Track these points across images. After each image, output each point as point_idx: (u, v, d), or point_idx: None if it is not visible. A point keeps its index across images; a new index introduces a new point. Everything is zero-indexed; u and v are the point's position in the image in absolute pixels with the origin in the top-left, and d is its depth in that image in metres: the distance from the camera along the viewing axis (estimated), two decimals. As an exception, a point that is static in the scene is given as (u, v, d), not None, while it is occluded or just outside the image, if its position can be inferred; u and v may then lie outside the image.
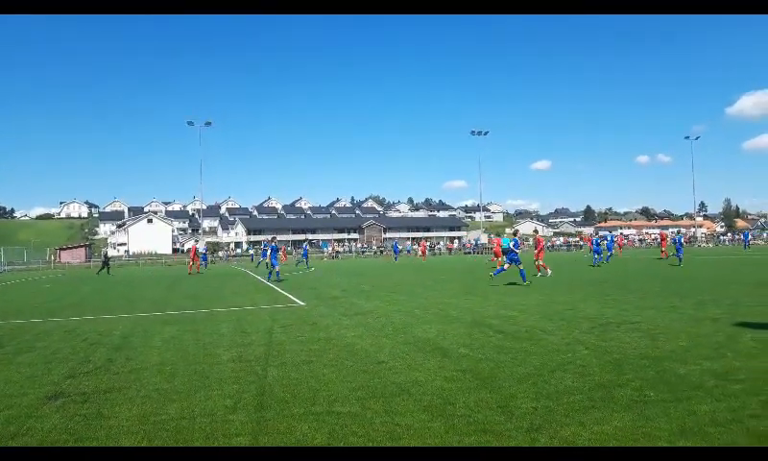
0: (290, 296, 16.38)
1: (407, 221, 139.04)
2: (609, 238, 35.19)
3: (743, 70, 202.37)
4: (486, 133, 76.55)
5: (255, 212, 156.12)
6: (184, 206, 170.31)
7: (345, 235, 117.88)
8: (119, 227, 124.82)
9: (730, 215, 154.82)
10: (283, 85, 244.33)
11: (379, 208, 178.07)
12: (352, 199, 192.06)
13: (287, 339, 8.80)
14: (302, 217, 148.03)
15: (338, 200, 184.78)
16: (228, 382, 6.12)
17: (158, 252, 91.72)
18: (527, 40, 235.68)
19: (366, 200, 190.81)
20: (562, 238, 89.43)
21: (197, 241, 53.87)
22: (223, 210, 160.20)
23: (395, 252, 54.72)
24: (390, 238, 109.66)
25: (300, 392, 5.61)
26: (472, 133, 75.50)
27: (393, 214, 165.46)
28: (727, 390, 5.18)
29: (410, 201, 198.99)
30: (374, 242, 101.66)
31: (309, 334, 9.21)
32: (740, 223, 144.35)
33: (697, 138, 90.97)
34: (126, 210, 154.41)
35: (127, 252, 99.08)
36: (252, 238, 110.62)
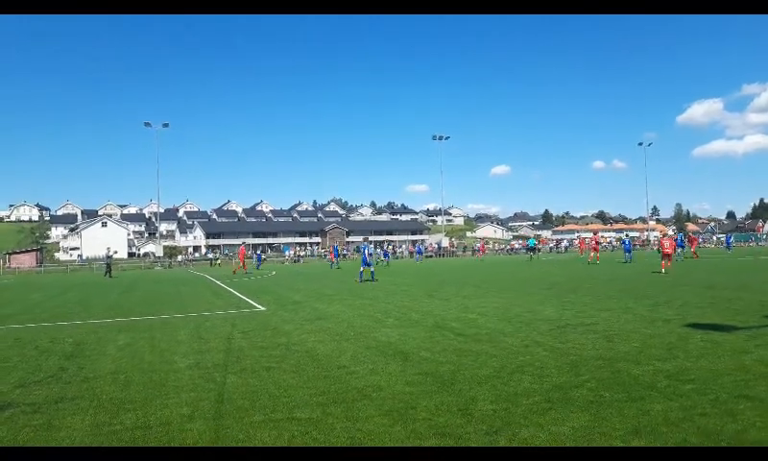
0: (250, 301, 16.15)
1: (370, 224, 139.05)
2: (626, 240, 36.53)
3: (694, 79, 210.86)
4: (447, 138, 77.42)
5: (215, 216, 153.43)
6: (141, 209, 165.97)
7: (307, 239, 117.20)
8: (72, 230, 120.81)
9: (681, 219, 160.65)
10: (243, 87, 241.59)
11: (342, 212, 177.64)
12: (314, 202, 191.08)
13: (247, 345, 8.67)
14: (263, 220, 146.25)
15: (300, 203, 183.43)
16: (185, 390, 5.99)
17: (114, 256, 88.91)
18: (487, 46, 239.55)
19: (328, 203, 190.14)
20: (521, 241, 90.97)
21: (243, 243, 52.21)
22: (181, 214, 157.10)
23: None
24: (352, 242, 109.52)
25: (260, 399, 5.53)
26: (434, 137, 76.27)
27: (355, 217, 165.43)
28: (678, 390, 5.36)
29: (373, 204, 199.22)
30: (340, 245, 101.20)
31: (270, 340, 9.09)
32: (691, 226, 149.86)
33: (650, 145, 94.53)
34: (79, 213, 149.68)
35: (80, 256, 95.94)
36: (212, 242, 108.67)
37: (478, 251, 65.98)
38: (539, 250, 59.58)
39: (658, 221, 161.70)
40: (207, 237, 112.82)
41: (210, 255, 72.60)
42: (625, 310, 11.26)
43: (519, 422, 4.60)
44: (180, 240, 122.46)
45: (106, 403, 5.57)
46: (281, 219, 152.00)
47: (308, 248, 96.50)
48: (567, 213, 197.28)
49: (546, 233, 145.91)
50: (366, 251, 23.84)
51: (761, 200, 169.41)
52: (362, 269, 23.28)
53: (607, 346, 7.65)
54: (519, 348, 7.75)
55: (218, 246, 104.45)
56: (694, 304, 11.89)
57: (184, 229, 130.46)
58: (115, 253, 69.32)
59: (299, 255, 73.00)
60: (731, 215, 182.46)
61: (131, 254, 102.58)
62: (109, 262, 40.15)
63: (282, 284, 23.85)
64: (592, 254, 35.63)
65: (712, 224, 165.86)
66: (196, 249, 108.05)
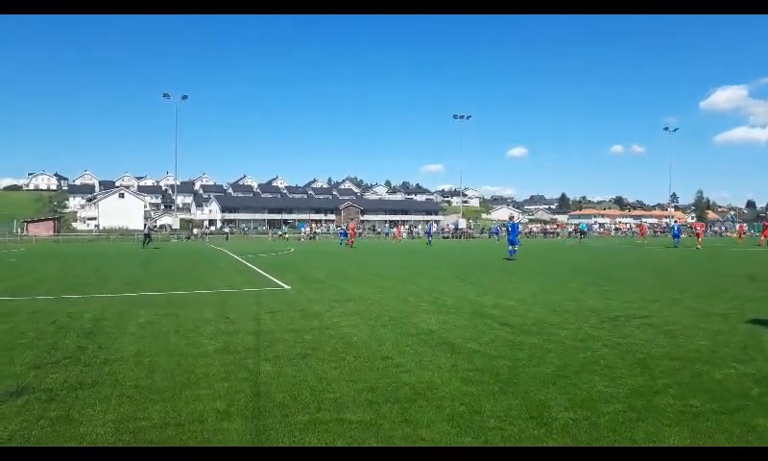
0: (273, 278, 15.62)
1: (385, 203, 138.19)
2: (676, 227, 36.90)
3: (719, 65, 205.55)
4: (468, 118, 76.10)
5: (230, 190, 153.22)
6: (157, 182, 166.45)
7: (322, 216, 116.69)
8: (89, 201, 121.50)
9: (701, 207, 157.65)
10: (261, 64, 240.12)
11: (357, 190, 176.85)
12: (329, 180, 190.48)
13: (276, 327, 8.09)
14: (279, 196, 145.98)
15: (315, 180, 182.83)
16: (216, 379, 5.41)
17: (130, 227, 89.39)
18: (507, 33, 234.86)
19: (343, 181, 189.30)
20: (539, 225, 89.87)
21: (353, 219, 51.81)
22: (197, 187, 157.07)
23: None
24: (367, 220, 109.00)
25: (301, 394, 4.93)
26: (455, 116, 75.04)
27: (370, 196, 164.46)
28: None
29: (387, 183, 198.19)
30: (356, 223, 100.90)
31: (300, 322, 8.51)
32: (711, 214, 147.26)
33: (675, 130, 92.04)
34: (97, 184, 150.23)
35: (97, 226, 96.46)
36: (228, 216, 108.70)
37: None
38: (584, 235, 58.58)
39: (676, 208, 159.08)
40: (223, 211, 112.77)
41: (226, 230, 72.41)
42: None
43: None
44: (197, 214, 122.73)
45: (130, 391, 5.01)
46: (296, 196, 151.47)
47: (323, 225, 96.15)
48: (584, 198, 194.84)
49: (563, 218, 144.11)
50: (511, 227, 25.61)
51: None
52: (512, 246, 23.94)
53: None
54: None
55: (233, 221, 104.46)
56: (745, 297, 11.14)
57: (200, 202, 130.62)
58: (155, 223, 68.87)
59: (314, 232, 72.62)
60: (750, 204, 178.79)
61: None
62: (149, 232, 39.63)
63: (303, 262, 23.35)
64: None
65: (732, 213, 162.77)
66: (211, 222, 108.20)
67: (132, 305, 10.35)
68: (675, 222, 43.96)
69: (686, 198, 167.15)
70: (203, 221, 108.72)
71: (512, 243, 23.98)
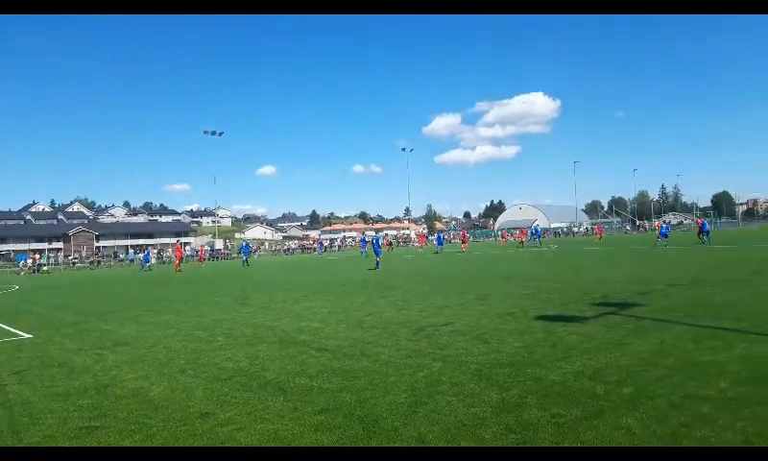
0: (1, 325, 12.21)
1: (125, 227, 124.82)
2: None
3: (437, 94, 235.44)
4: (221, 134, 73.12)
5: None
6: None
7: (46, 245, 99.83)
8: None
9: (431, 218, 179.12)
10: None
11: (89, 213, 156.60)
12: (53, 202, 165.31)
13: (34, 395, 6.04)
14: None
15: (34, 203, 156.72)
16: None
17: None
18: (256, 50, 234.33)
19: (72, 203, 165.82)
20: (296, 241, 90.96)
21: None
22: None
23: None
24: (104, 246, 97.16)
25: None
26: (205, 132, 71.31)
27: (106, 219, 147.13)
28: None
29: (126, 204, 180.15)
30: (85, 250, 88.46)
31: (66, 383, 6.52)
32: (438, 225, 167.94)
33: (411, 150, 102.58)
34: None
35: None
36: None
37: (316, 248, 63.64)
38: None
39: (409, 220, 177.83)
40: None
41: None
42: (462, 307, 11.06)
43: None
44: None
45: None
46: (10, 222, 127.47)
47: (49, 254, 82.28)
48: (333, 213, 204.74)
49: (314, 233, 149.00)
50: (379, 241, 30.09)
51: (492, 201, 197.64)
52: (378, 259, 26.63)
53: (491, 349, 7.06)
54: (404, 359, 6.72)
55: None
56: (516, 295, 12.34)
57: None
58: None
59: (39, 264, 61.49)
60: (467, 215, 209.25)
61: None
62: None
63: (35, 301, 19.13)
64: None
65: (453, 222, 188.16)
66: None
67: None
68: (440, 232, 49.95)
69: (419, 211, 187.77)
70: None
71: (376, 254, 27.10)
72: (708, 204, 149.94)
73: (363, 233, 32.50)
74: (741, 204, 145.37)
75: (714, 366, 5.58)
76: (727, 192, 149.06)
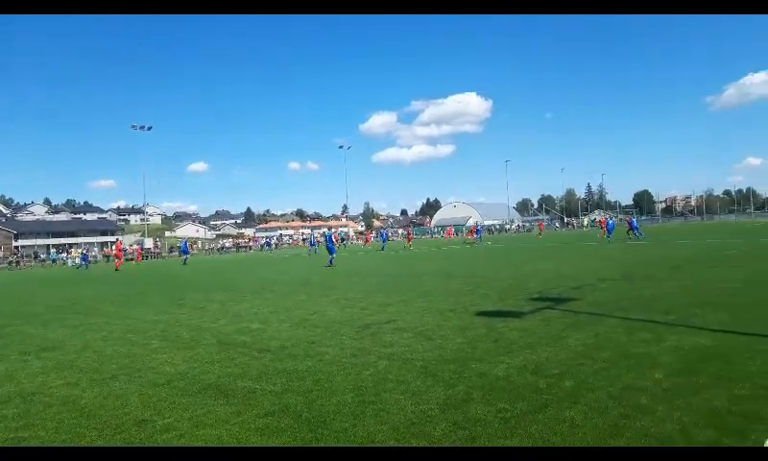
0: None
1: (46, 225, 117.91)
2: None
3: (374, 93, 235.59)
4: (150, 128, 70.29)
5: None
6: None
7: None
8: None
9: (369, 216, 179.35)
10: None
11: (6, 211, 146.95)
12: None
13: (-53, 408, 5.55)
14: None
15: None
16: None
17: None
18: (184, 44, 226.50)
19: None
20: (230, 239, 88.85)
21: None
22: None
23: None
24: (23, 246, 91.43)
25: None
26: (133, 127, 68.33)
27: (26, 218, 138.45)
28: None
29: (47, 202, 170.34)
30: (2, 251, 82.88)
31: (-16, 393, 6.05)
32: (376, 223, 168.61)
33: (349, 148, 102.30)
34: None
35: None
36: None
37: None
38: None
39: (347, 218, 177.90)
40: None
41: None
42: (403, 303, 11.13)
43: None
44: None
45: None
46: None
47: (-40, 256, 76.34)
48: (269, 211, 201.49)
49: (249, 231, 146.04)
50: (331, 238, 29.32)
51: (428, 199, 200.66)
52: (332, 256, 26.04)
53: (435, 345, 7.12)
54: (349, 358, 6.67)
55: None
56: (457, 292, 12.51)
57: None
58: None
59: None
60: (404, 212, 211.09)
61: None
62: None
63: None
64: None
65: (391, 220, 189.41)
66: None
67: None
68: (384, 229, 50.07)
69: (356, 209, 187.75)
70: None
71: (330, 251, 26.50)
72: (630, 201, 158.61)
73: (310, 230, 32.88)
74: (660, 202, 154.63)
75: (648, 358, 5.84)
76: (647, 191, 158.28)
